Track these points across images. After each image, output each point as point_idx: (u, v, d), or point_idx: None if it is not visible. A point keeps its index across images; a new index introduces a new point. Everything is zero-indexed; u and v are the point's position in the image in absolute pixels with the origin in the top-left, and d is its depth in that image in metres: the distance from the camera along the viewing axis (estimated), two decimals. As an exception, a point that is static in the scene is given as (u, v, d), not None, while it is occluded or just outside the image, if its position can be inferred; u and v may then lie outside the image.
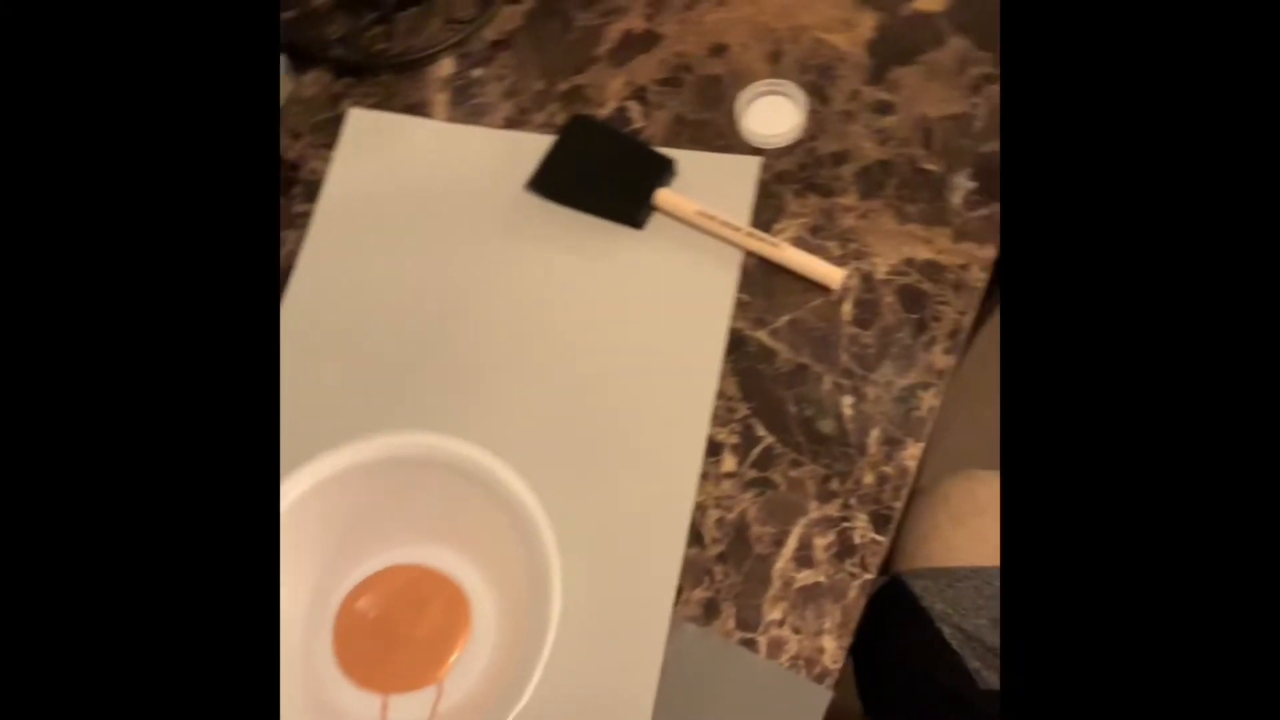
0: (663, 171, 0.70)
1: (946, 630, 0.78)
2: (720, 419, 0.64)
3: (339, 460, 0.60)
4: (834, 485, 0.61)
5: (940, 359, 0.64)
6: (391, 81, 0.77)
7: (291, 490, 0.59)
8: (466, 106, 0.76)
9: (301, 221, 0.72)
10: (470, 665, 0.59)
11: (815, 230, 0.68)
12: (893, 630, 0.78)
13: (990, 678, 0.74)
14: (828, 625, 0.58)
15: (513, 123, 0.75)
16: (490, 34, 0.78)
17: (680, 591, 0.59)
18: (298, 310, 0.69)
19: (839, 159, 0.70)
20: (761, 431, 0.63)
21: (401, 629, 0.61)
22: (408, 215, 0.72)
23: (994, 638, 0.74)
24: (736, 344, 0.65)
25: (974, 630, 0.75)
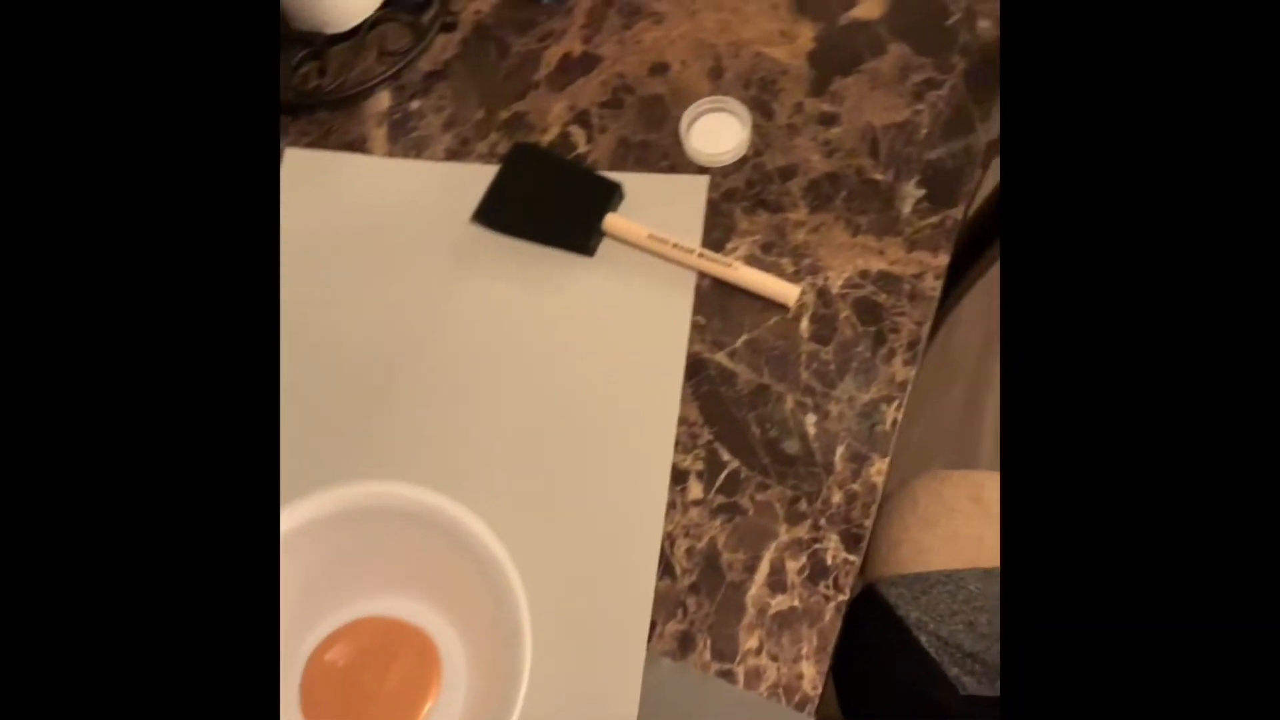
0: (610, 196, 0.69)
1: (924, 638, 0.77)
2: (684, 446, 0.63)
3: (297, 515, 0.58)
4: (802, 506, 0.60)
5: (901, 371, 0.63)
6: (327, 119, 0.75)
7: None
8: (406, 140, 0.74)
9: (243, 268, 0.70)
10: (443, 716, 0.58)
11: (767, 247, 0.68)
12: (870, 640, 0.78)
13: (971, 684, 0.74)
14: (805, 650, 0.57)
15: (454, 154, 0.73)
16: (426, 65, 0.77)
17: (654, 626, 0.58)
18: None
19: (787, 174, 0.70)
20: (726, 456, 0.62)
21: (371, 682, 0.59)
22: (353, 255, 0.70)
23: (971, 643, 0.74)
24: (695, 368, 0.65)
25: (950, 636, 0.74)
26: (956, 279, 0.98)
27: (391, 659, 0.60)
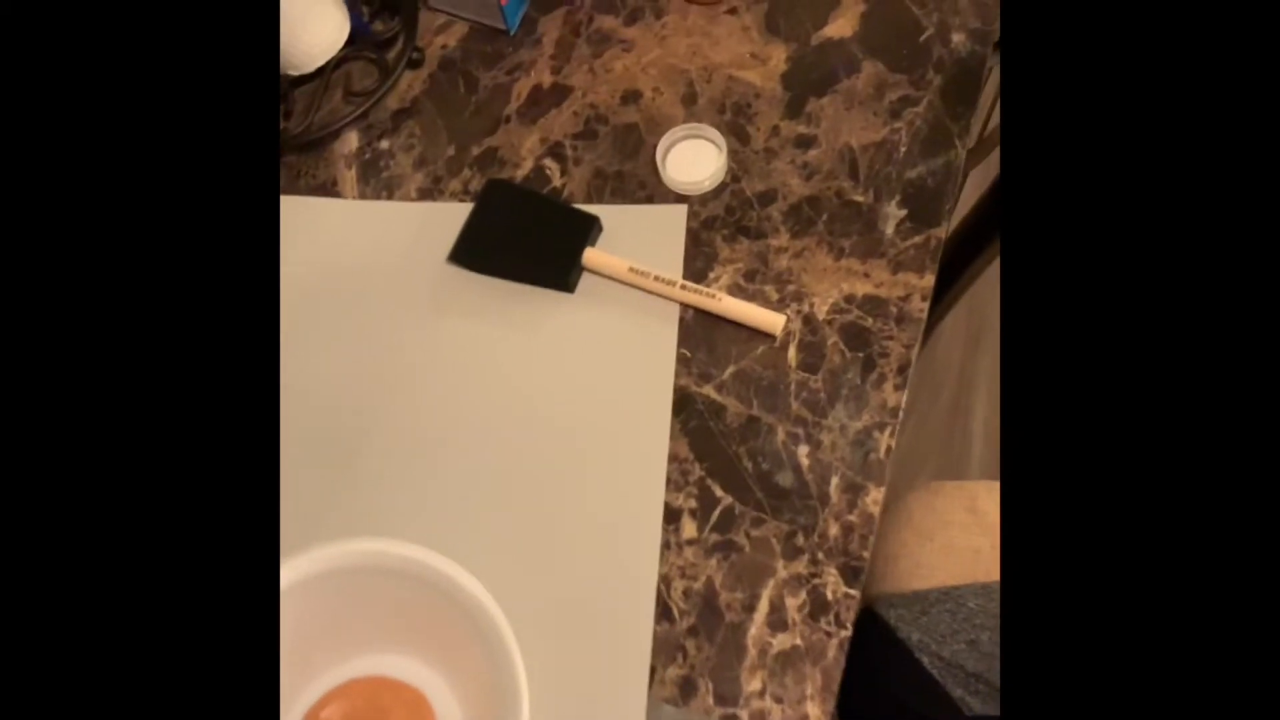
0: (588, 230, 0.68)
1: (926, 660, 0.76)
2: (675, 483, 0.61)
3: (282, 578, 0.56)
4: (799, 540, 0.59)
5: (892, 396, 0.62)
6: (295, 162, 0.74)
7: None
8: (378, 180, 0.73)
9: (215, 320, 0.68)
10: (442, 777, 0.56)
11: (751, 275, 0.66)
12: (871, 664, 0.77)
13: (975, 704, 0.73)
14: (809, 690, 0.56)
15: (427, 193, 0.72)
16: (393, 103, 0.75)
17: (654, 671, 0.57)
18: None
19: (766, 199, 0.69)
20: (719, 492, 0.61)
21: (366, 746, 0.58)
22: (326, 301, 0.69)
23: (974, 663, 0.73)
24: (683, 402, 0.63)
25: (952, 657, 0.73)
26: (940, 294, 0.98)
27: (386, 718, 0.58)
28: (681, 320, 0.66)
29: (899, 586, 0.80)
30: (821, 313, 0.65)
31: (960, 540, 0.82)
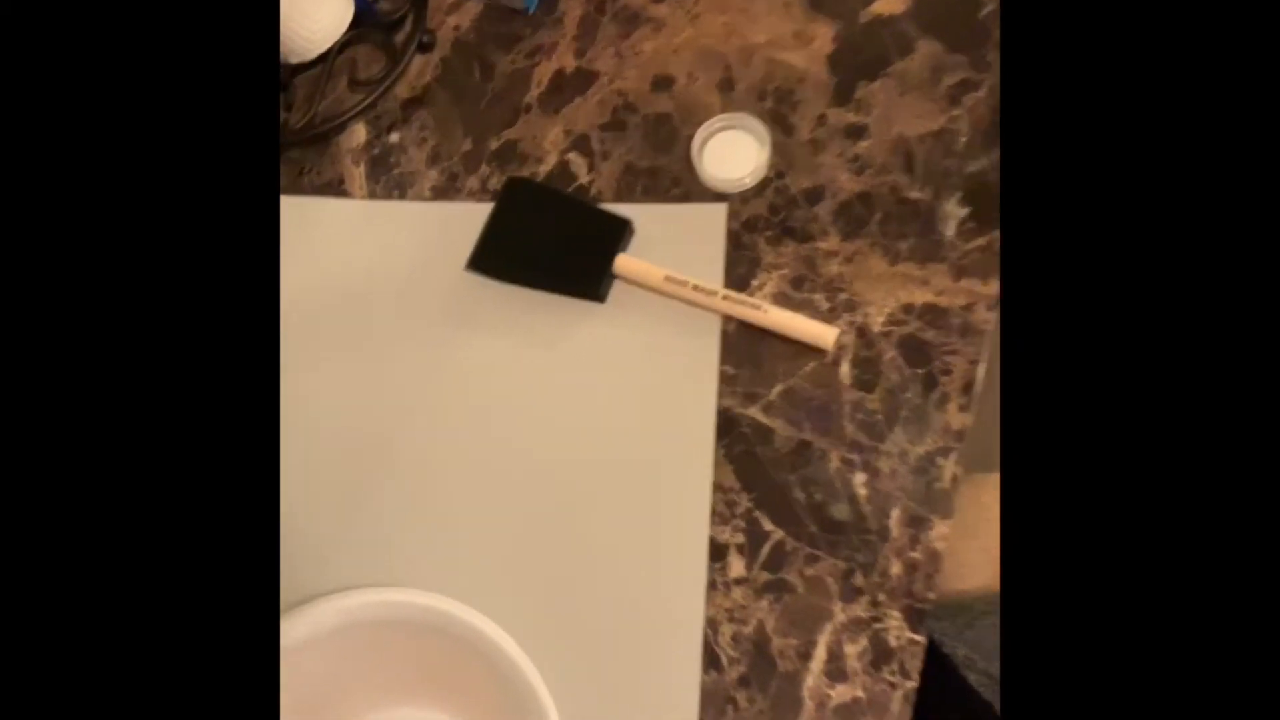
0: (620, 234, 0.62)
1: (972, 677, 0.72)
2: (720, 516, 0.56)
3: (295, 632, 0.52)
4: (858, 580, 0.54)
5: (956, 418, 0.57)
6: (299, 157, 0.68)
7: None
8: (387, 178, 0.67)
9: (216, 335, 0.63)
10: (474, 841, 0.52)
11: (798, 282, 0.61)
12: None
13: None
14: (873, 749, 0.51)
15: (442, 192, 0.66)
16: (403, 91, 0.69)
17: (702, 726, 0.52)
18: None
19: (813, 196, 0.63)
20: (768, 525, 0.56)
21: (389, 806, 0.53)
22: (332, 315, 0.63)
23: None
24: (727, 425, 0.58)
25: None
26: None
27: (410, 777, 0.54)
28: (723, 333, 0.60)
29: (942, 587, 0.76)
30: (877, 324, 0.59)
31: (1006, 538, 0.78)
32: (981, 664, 0.72)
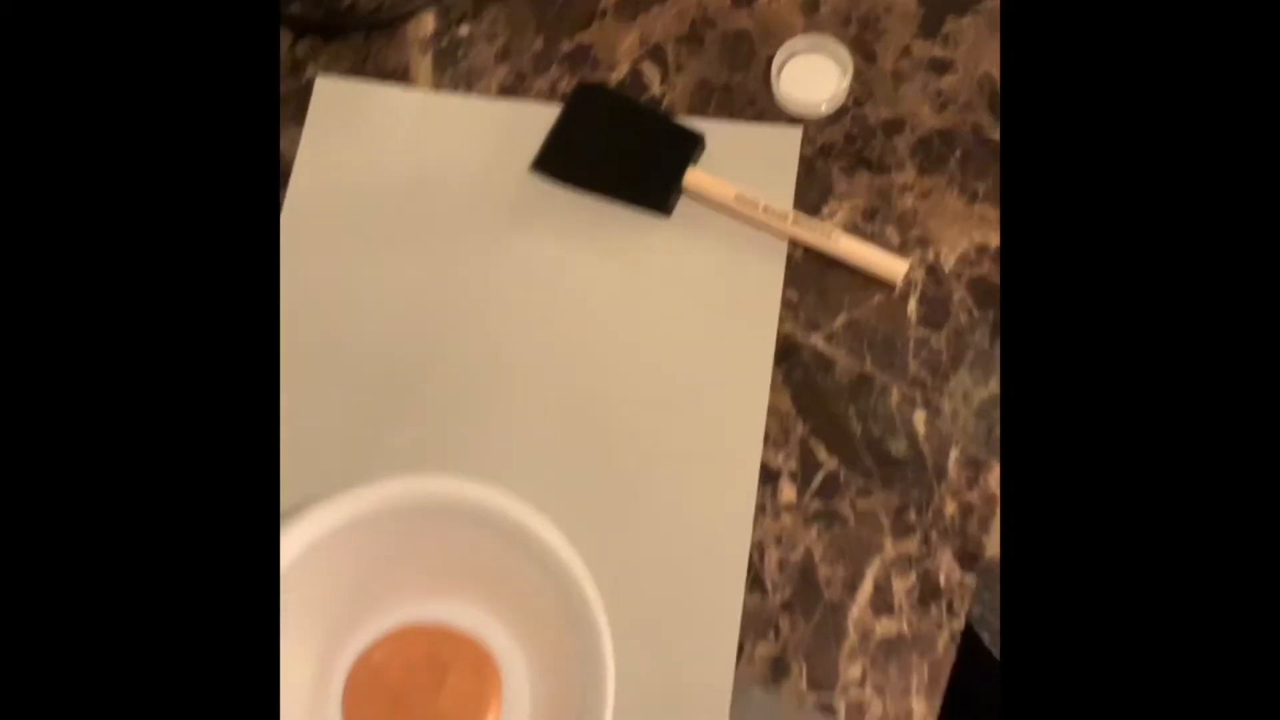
0: (691, 148, 0.60)
1: (987, 636, 0.72)
2: (774, 441, 0.55)
3: (337, 513, 0.51)
4: (911, 517, 0.54)
5: (1021, 364, 0.56)
6: (364, 43, 0.66)
7: (286, 551, 0.50)
8: (455, 71, 0.65)
9: (268, 215, 0.61)
10: (504, 741, 0.52)
11: (870, 214, 0.59)
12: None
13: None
14: (915, 684, 0.51)
15: (509, 90, 0.64)
16: (476, -17, 0.67)
17: (742, 648, 0.52)
18: (272, 324, 0.59)
19: (892, 129, 0.61)
20: (823, 455, 0.55)
21: (422, 700, 0.53)
22: (393, 205, 0.62)
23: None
24: (787, 351, 0.57)
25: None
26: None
27: (444, 673, 0.53)
28: (789, 259, 0.59)
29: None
30: (949, 263, 0.58)
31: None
32: (996, 624, 0.72)
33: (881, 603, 0.52)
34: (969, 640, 0.74)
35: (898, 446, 0.55)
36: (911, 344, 0.57)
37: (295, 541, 0.50)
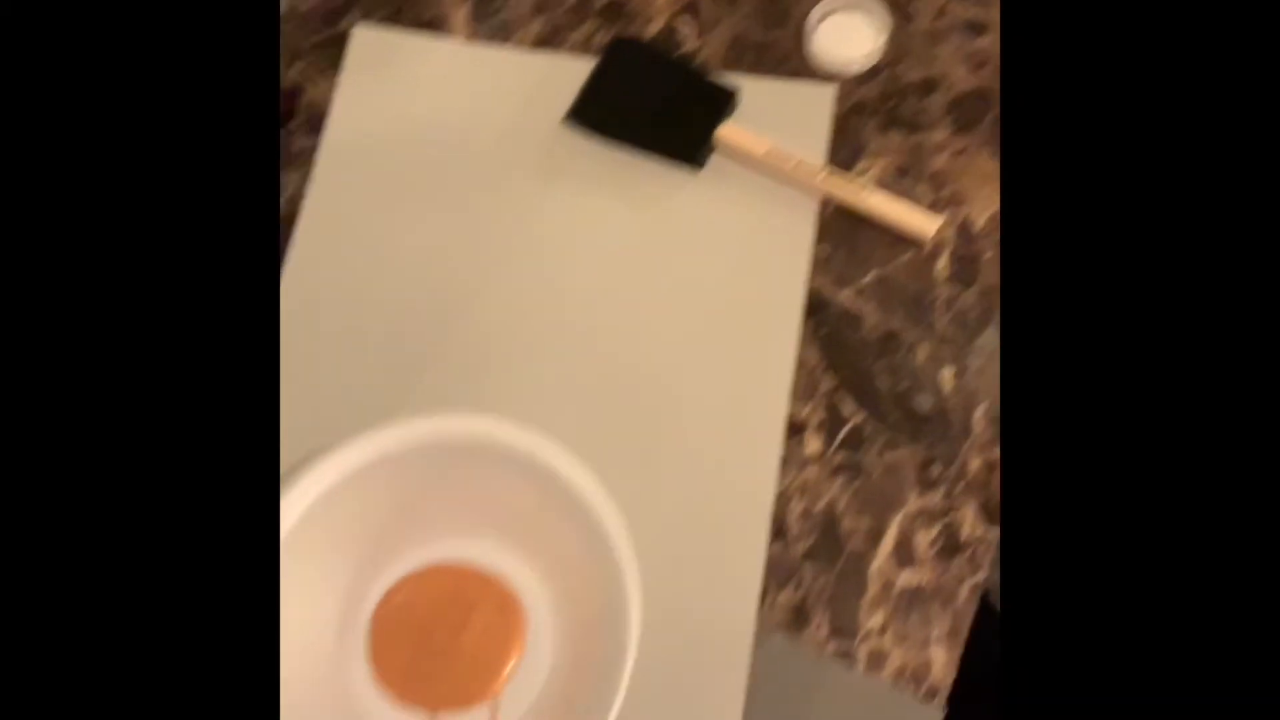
0: (725, 103, 0.61)
1: (993, 596, 0.73)
2: (801, 393, 0.56)
3: (367, 449, 0.52)
4: (935, 471, 0.54)
5: (1050, 323, 0.56)
6: (401, -8, 0.66)
7: (315, 485, 0.50)
8: (491, 22, 0.65)
9: (304, 160, 0.62)
10: (528, 679, 0.53)
11: (902, 172, 0.60)
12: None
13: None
14: (936, 633, 0.51)
15: (544, 41, 0.64)
16: (514, -65, 0.67)
17: (765, 594, 0.52)
18: (303, 270, 0.60)
19: (926, 88, 0.61)
20: (849, 408, 0.55)
21: (446, 637, 0.54)
22: (427, 154, 0.62)
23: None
24: (817, 306, 0.57)
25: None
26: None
27: (470, 611, 0.54)
28: (820, 214, 0.59)
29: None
30: (979, 223, 0.58)
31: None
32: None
33: (904, 554, 0.53)
34: (979, 607, 0.74)
35: (924, 402, 0.55)
36: (940, 301, 0.57)
37: (325, 477, 0.50)
